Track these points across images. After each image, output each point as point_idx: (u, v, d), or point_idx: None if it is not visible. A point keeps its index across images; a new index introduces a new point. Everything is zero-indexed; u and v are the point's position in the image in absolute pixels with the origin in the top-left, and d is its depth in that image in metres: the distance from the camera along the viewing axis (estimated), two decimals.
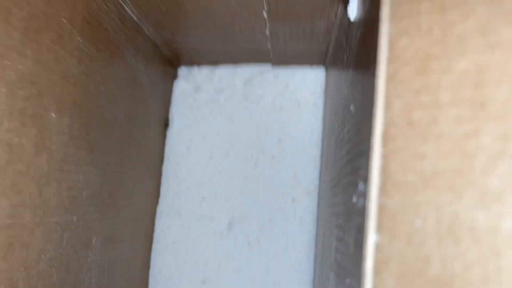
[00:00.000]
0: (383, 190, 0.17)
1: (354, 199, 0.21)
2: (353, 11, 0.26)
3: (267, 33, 0.41)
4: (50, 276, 0.31)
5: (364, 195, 0.19)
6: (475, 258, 0.15)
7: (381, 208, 0.17)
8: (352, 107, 0.25)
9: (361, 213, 0.19)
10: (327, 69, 0.49)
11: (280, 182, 0.49)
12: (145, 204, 0.48)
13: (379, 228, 0.17)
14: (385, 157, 0.17)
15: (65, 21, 0.31)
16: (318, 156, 0.49)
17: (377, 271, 0.17)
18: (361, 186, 0.20)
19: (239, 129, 0.51)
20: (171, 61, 0.52)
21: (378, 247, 0.17)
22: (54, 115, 0.30)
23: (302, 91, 0.50)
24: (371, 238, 0.17)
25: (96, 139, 0.36)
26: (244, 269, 0.48)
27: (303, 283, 0.47)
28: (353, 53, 0.27)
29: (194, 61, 0.53)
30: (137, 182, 0.45)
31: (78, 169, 0.34)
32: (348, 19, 0.28)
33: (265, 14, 0.37)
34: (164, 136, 0.52)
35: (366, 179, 0.19)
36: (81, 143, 0.34)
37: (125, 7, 0.39)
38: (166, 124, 0.53)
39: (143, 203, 0.47)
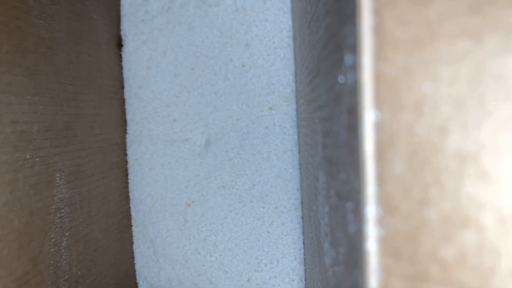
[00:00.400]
0: (379, 53, 0.14)
1: (341, 79, 0.18)
2: None
3: None
4: (11, 222, 0.28)
5: (354, 67, 0.15)
6: (507, 118, 0.12)
7: (378, 77, 0.14)
8: None
9: (352, 91, 0.16)
10: None
11: (254, 91, 0.45)
12: (112, 133, 0.44)
13: (378, 103, 0.14)
14: (378, 12, 0.14)
15: None
16: (291, 56, 0.45)
17: (380, 155, 0.14)
18: (348, 59, 0.16)
19: (201, 38, 0.46)
20: None
21: (379, 126, 0.14)
22: None
23: None
24: (369, 116, 0.14)
25: (36, 63, 0.31)
26: (228, 186, 0.46)
27: (290, 191, 0.45)
28: None
29: None
30: (98, 110, 0.41)
31: (20, 100, 0.29)
32: None
33: None
34: (119, 57, 0.47)
35: (354, 48, 0.15)
36: (18, 69, 0.29)
37: None
38: (119, 44, 0.47)
39: (109, 133, 0.43)
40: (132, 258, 0.48)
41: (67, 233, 0.34)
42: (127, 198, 0.47)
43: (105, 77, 0.43)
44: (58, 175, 0.34)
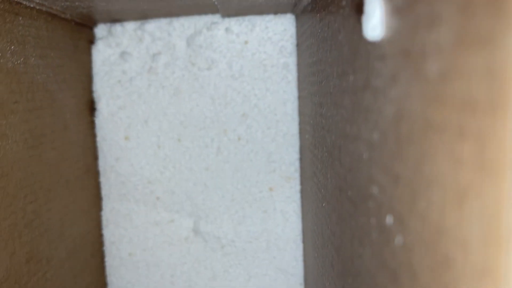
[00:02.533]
0: None
1: None
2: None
3: None
4: None
5: None
6: None
7: None
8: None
9: None
10: (298, 17, 0.36)
11: (252, 168, 0.39)
12: (85, 221, 0.37)
13: None
14: None
15: None
16: (296, 132, 0.38)
17: None
18: None
19: (190, 106, 0.39)
20: (80, 23, 0.38)
21: None
22: None
23: (266, 49, 0.37)
24: None
25: None
26: (220, 277, 0.40)
27: (292, 284, 0.40)
28: None
29: (114, 17, 0.38)
30: (66, 206, 0.34)
31: None
32: None
33: None
34: (92, 125, 0.40)
35: None
36: None
37: None
38: (91, 108, 0.40)
39: (81, 224, 0.37)
40: None
41: None
42: (104, 285, 0.41)
43: (74, 152, 0.36)
44: None
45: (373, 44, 0.16)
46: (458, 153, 0.10)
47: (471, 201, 0.09)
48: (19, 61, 0.27)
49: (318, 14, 0.27)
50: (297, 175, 0.39)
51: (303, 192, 0.38)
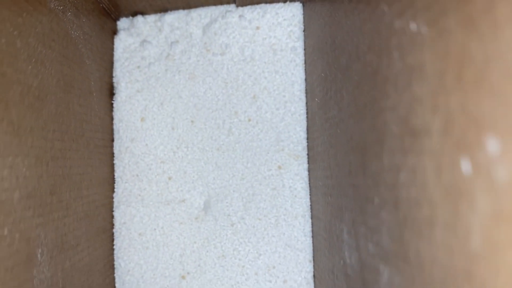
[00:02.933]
0: None
1: None
2: None
3: None
4: None
5: None
6: None
7: None
8: None
9: None
10: (304, 4, 0.40)
11: (261, 148, 0.41)
12: (99, 193, 0.38)
13: None
14: None
15: None
16: (303, 111, 0.41)
17: None
18: None
19: (203, 89, 0.42)
20: (107, 12, 0.41)
21: None
22: None
23: (276, 34, 0.41)
24: None
25: (22, 116, 0.26)
26: (230, 256, 0.40)
27: (301, 262, 0.40)
28: None
29: (137, 9, 0.42)
30: (85, 167, 0.35)
31: (1, 162, 0.24)
32: None
33: None
34: (110, 107, 0.42)
35: None
36: (0, 124, 0.24)
37: None
38: (111, 92, 0.42)
39: (96, 193, 0.38)
40: None
41: None
42: (112, 267, 0.41)
43: (95, 130, 0.38)
44: (39, 251, 0.28)
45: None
46: None
47: None
48: (59, 7, 0.30)
49: (321, 2, 0.31)
50: (304, 154, 0.41)
51: (310, 169, 0.40)
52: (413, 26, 0.15)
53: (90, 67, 0.37)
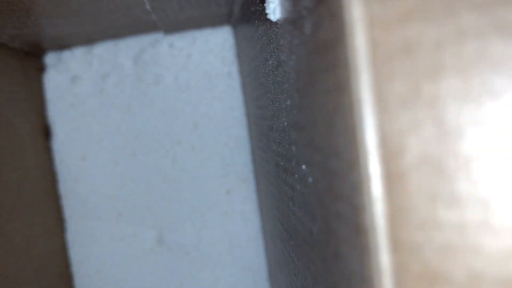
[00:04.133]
0: None
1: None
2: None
3: (148, 7, 0.30)
4: None
5: None
6: None
7: None
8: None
9: None
10: (235, 27, 0.39)
11: (208, 174, 0.41)
12: (51, 243, 0.38)
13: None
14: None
15: None
16: (246, 135, 0.40)
17: None
18: None
19: (142, 121, 0.41)
20: (30, 52, 0.39)
21: None
22: None
23: (209, 60, 0.40)
24: None
25: None
26: (187, 284, 0.41)
27: (258, 282, 0.41)
28: None
29: (62, 44, 0.40)
30: (30, 227, 0.35)
31: None
32: None
33: None
34: (48, 150, 0.41)
35: None
36: None
37: None
38: (47, 133, 0.41)
39: (47, 246, 0.37)
40: None
41: None
42: None
43: (35, 179, 0.37)
44: None
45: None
46: None
47: None
48: None
49: (248, 23, 0.29)
50: (251, 176, 0.41)
51: (258, 191, 0.40)
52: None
53: (15, 114, 0.35)
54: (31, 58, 0.40)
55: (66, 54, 0.41)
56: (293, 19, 0.15)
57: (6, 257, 0.31)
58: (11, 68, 0.36)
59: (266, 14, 0.18)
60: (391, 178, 0.10)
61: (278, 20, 0.18)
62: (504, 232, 0.10)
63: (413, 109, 0.10)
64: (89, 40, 0.40)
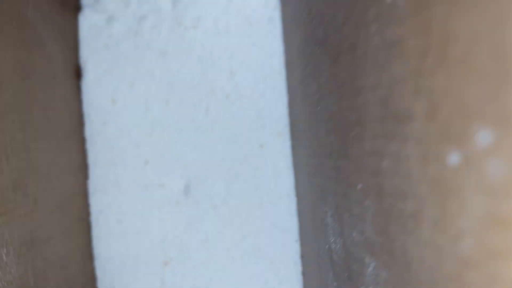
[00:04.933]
0: None
1: None
2: None
3: None
4: None
5: None
6: None
7: None
8: None
9: None
10: None
11: (242, 126, 0.39)
12: (72, 182, 0.36)
13: None
14: None
15: None
16: (284, 86, 0.39)
17: None
18: None
19: (177, 66, 0.39)
20: None
21: None
22: None
23: (251, 4, 0.38)
24: None
25: None
26: (213, 239, 0.39)
27: (287, 243, 0.39)
28: None
29: None
30: (54, 157, 0.33)
31: None
32: None
33: None
34: (78, 90, 0.39)
35: None
36: None
37: None
38: (78, 74, 0.40)
39: (68, 182, 0.36)
40: None
41: None
42: (91, 257, 0.39)
43: (61, 115, 0.35)
44: (4, 251, 0.26)
45: None
46: None
47: None
48: None
49: None
50: (287, 130, 0.39)
51: (294, 147, 0.38)
52: None
53: (52, 49, 0.34)
54: None
55: None
56: None
57: (29, 173, 0.29)
58: (49, 5, 0.35)
59: None
60: None
61: None
62: None
63: None
64: None
